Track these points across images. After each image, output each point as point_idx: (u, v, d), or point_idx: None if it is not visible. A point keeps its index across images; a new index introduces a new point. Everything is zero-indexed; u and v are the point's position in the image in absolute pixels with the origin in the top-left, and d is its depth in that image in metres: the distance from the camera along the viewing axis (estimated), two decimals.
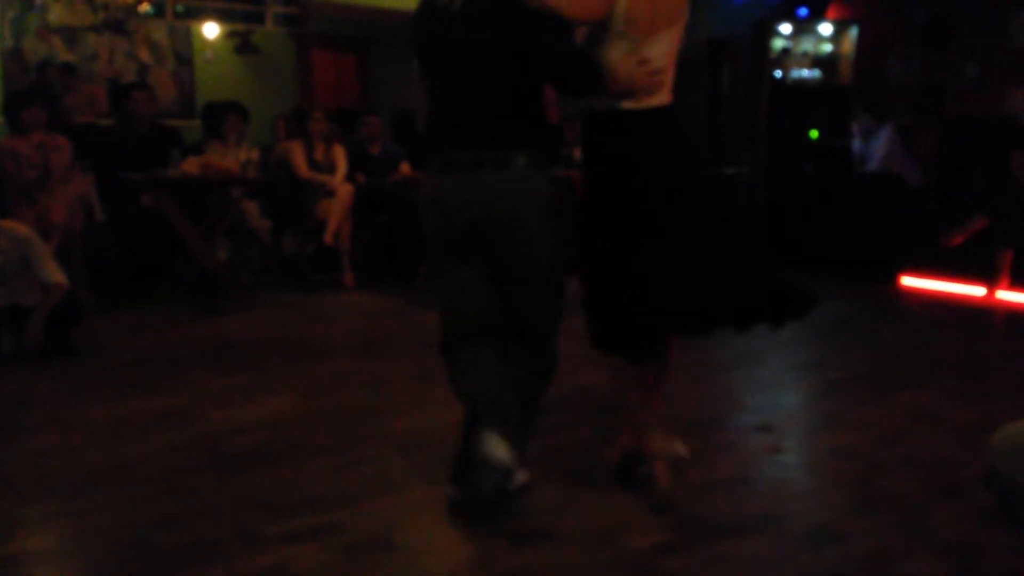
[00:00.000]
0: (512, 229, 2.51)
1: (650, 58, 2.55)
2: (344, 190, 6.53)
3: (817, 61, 8.53)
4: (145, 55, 7.59)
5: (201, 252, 5.74)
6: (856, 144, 7.66)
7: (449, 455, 2.70)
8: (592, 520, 2.57)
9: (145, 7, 7.57)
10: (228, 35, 7.78)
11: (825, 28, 8.50)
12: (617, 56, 2.53)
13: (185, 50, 7.71)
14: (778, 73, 8.49)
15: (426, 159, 2.65)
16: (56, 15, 7.23)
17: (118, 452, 3.11)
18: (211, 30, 7.66)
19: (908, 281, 6.76)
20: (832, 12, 8.80)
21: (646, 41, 2.55)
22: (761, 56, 8.36)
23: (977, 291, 6.26)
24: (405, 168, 6.93)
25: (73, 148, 5.43)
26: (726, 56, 8.82)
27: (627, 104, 2.58)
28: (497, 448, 2.47)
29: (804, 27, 8.51)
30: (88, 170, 5.75)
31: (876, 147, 7.41)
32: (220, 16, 7.85)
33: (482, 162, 2.48)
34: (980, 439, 2.69)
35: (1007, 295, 6.08)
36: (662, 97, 2.63)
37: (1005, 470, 2.51)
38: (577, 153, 6.20)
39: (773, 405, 3.76)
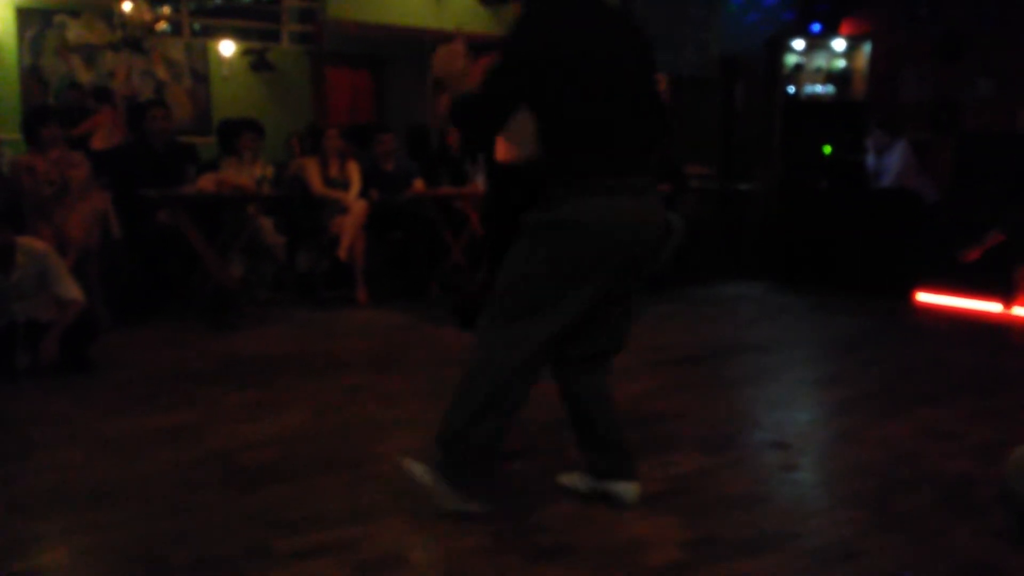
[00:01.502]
0: (655, 251, 2.64)
1: None
2: (358, 206, 6.56)
3: (831, 77, 8.53)
4: (162, 73, 7.66)
5: (216, 268, 5.77)
6: (870, 160, 7.64)
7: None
8: (608, 537, 2.56)
9: (163, 25, 7.64)
10: (244, 53, 7.84)
11: (838, 44, 8.50)
12: None
13: (202, 67, 7.77)
14: (791, 89, 8.49)
15: (565, 180, 2.51)
16: (75, 33, 7.31)
17: (132, 468, 3.12)
18: (227, 48, 7.73)
19: (924, 297, 6.72)
20: (845, 28, 8.79)
21: None
22: (774, 72, 8.37)
23: (994, 307, 6.22)
24: (419, 185, 6.95)
25: (91, 165, 5.48)
26: (739, 73, 8.83)
27: None
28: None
29: (817, 43, 8.51)
30: (105, 187, 5.80)
31: (890, 162, 7.38)
32: (236, 34, 7.93)
33: (648, 187, 2.58)
34: (997, 457, 2.66)
35: None
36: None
37: (1021, 491, 2.49)
38: None
39: (788, 422, 3.74)
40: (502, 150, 3.04)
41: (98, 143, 6.54)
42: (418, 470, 2.69)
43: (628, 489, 2.77)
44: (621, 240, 2.51)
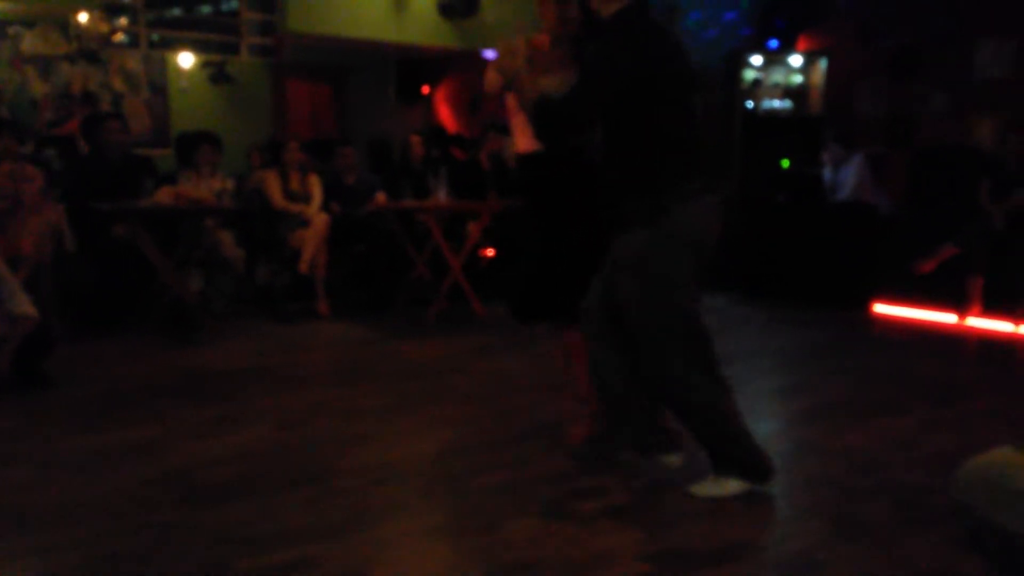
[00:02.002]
0: None
1: None
2: (319, 220, 6.51)
3: (788, 92, 8.66)
4: (119, 84, 7.55)
5: (174, 282, 5.70)
6: (827, 173, 7.76)
7: (424, 488, 2.67)
8: (572, 551, 2.55)
9: (119, 37, 7.55)
10: (203, 65, 7.76)
11: (795, 60, 8.63)
12: None
13: (160, 79, 7.68)
14: (750, 103, 8.60)
15: (662, 187, 2.85)
16: (29, 44, 7.19)
17: (88, 486, 3.05)
18: (186, 60, 7.65)
19: (880, 308, 6.83)
20: (802, 44, 8.94)
21: None
22: (733, 87, 8.48)
23: (948, 318, 6.33)
24: (381, 198, 6.93)
25: (45, 178, 5.39)
26: (698, 87, 8.90)
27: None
28: None
29: (775, 58, 8.64)
30: (59, 200, 5.71)
31: (847, 176, 7.50)
32: (195, 46, 7.85)
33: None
34: (953, 466, 2.71)
35: (978, 322, 6.15)
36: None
37: (973, 504, 2.53)
38: None
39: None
40: (525, 142, 3.31)
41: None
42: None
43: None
44: (715, 232, 2.95)
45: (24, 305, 4.29)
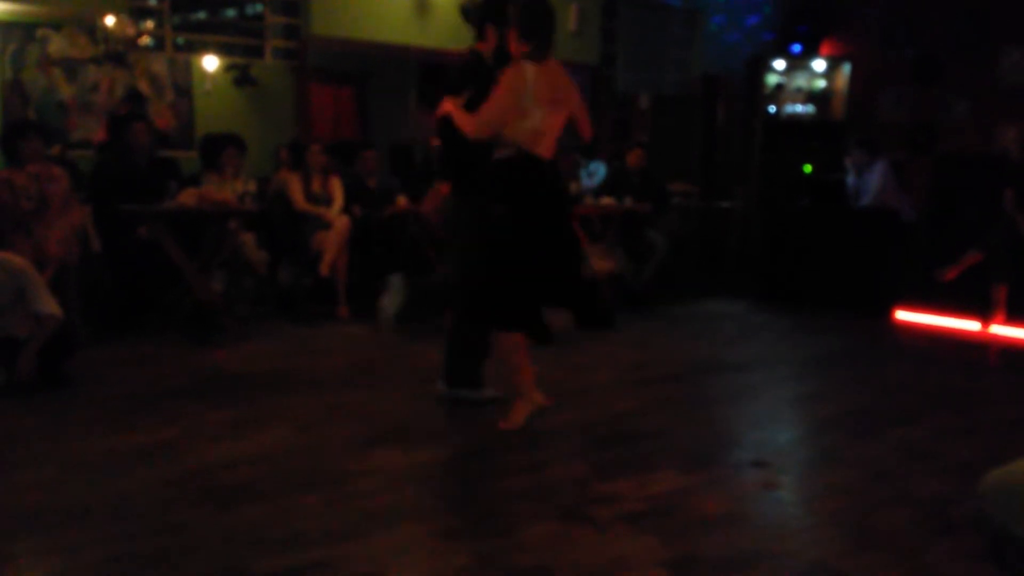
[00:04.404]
0: None
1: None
2: (341, 222, 6.54)
3: (811, 97, 8.63)
4: (145, 87, 7.62)
5: (197, 284, 5.74)
6: (850, 179, 7.72)
7: (440, 491, 2.68)
8: (589, 557, 2.55)
9: (146, 40, 7.62)
10: (227, 68, 7.81)
11: (818, 64, 8.60)
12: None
13: (184, 82, 7.74)
14: (772, 108, 8.58)
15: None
16: (57, 47, 7.26)
17: (109, 486, 3.09)
18: (211, 63, 7.70)
19: (903, 315, 6.78)
20: (825, 49, 8.90)
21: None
22: (755, 92, 8.46)
23: (972, 326, 6.28)
24: (402, 201, 6.95)
25: (70, 179, 5.45)
26: (721, 92, 8.90)
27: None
28: None
29: (798, 63, 8.61)
30: (85, 201, 5.76)
31: (870, 182, 7.45)
32: (220, 49, 7.90)
33: None
34: (973, 476, 2.68)
35: (1002, 330, 6.09)
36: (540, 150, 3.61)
37: (995, 516, 2.50)
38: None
39: (768, 440, 3.75)
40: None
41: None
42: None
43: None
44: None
45: (50, 305, 4.34)
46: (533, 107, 3.53)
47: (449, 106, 3.71)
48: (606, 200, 7.21)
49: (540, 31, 3.56)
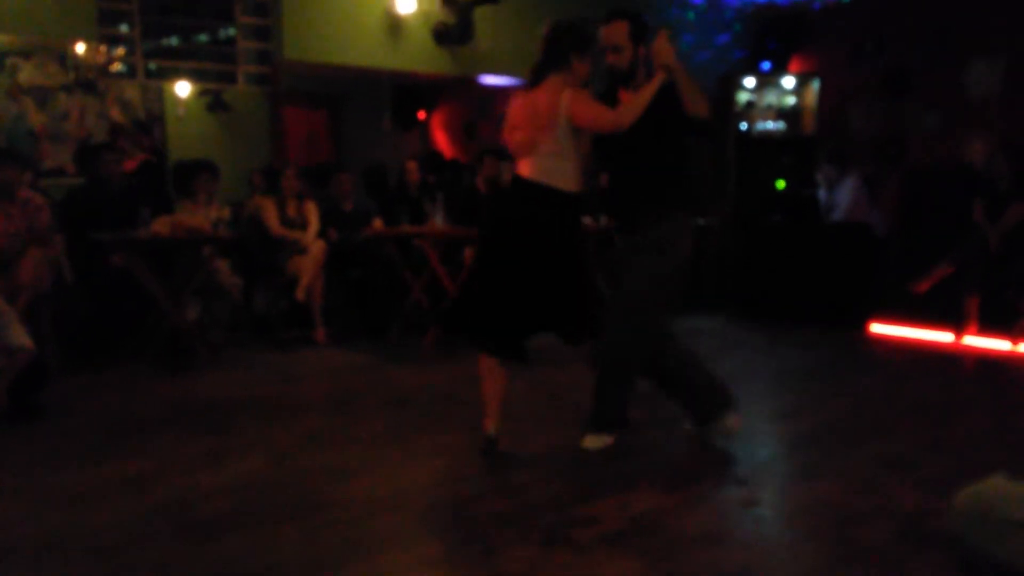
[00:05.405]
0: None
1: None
2: (316, 246, 6.52)
3: (781, 113, 8.72)
4: (116, 114, 7.58)
5: (171, 311, 5.70)
6: (822, 194, 7.80)
7: (420, 517, 2.66)
8: None
9: (117, 67, 7.58)
10: (200, 93, 7.79)
11: (788, 81, 8.70)
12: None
13: (157, 109, 7.71)
14: (743, 125, 8.65)
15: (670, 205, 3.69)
16: (27, 75, 7.22)
17: (82, 520, 3.04)
18: (183, 89, 7.68)
19: (877, 328, 6.83)
20: (794, 65, 9.01)
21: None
22: (727, 109, 8.53)
23: (945, 337, 6.34)
24: (377, 224, 6.94)
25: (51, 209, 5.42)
26: None
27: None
28: None
29: (768, 80, 8.71)
30: (57, 230, 5.71)
31: (841, 196, 7.53)
32: (192, 75, 7.88)
33: None
34: (951, 488, 2.70)
35: (975, 341, 6.15)
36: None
37: (968, 535, 2.52)
38: None
39: (748, 457, 3.76)
40: (567, 182, 3.64)
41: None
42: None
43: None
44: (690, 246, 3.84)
45: (21, 337, 4.28)
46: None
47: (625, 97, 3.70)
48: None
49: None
